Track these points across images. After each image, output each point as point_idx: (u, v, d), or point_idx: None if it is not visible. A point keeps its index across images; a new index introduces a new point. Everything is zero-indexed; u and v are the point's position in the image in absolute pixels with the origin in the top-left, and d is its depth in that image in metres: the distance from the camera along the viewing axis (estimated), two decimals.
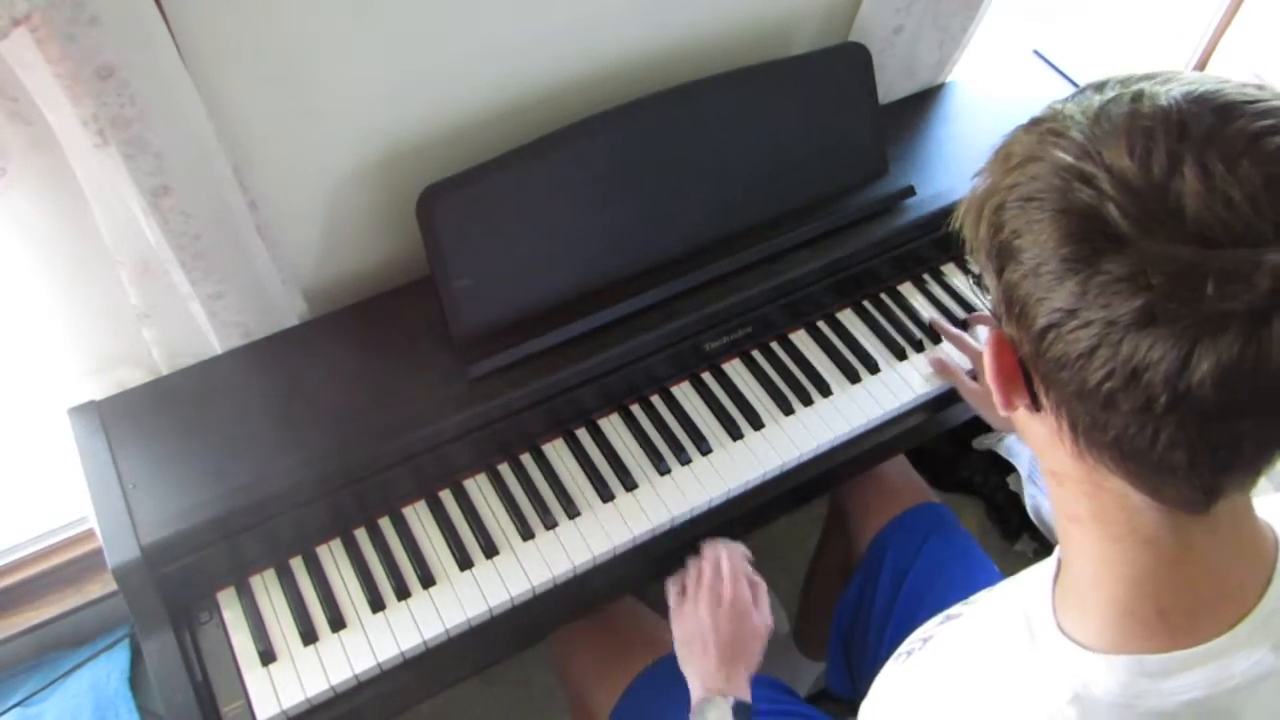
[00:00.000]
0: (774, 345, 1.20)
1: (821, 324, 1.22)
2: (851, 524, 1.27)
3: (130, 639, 1.35)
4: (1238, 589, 0.54)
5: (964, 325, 1.22)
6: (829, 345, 1.20)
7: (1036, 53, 1.47)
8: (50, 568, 1.26)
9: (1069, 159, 0.48)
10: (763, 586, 1.02)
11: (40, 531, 1.26)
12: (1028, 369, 0.53)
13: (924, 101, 1.41)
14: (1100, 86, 0.52)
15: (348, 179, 1.09)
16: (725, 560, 1.01)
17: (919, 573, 1.15)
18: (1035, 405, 0.54)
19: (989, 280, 0.55)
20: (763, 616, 1.00)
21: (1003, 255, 0.51)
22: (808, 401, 1.14)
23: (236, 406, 1.04)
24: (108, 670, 1.32)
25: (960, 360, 1.16)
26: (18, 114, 0.83)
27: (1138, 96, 0.49)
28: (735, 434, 1.11)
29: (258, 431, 1.01)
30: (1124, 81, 0.51)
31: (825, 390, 1.15)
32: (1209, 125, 0.46)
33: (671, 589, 1.03)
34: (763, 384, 1.16)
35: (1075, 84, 1.39)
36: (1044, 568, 0.63)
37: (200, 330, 1.07)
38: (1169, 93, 0.48)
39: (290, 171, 1.04)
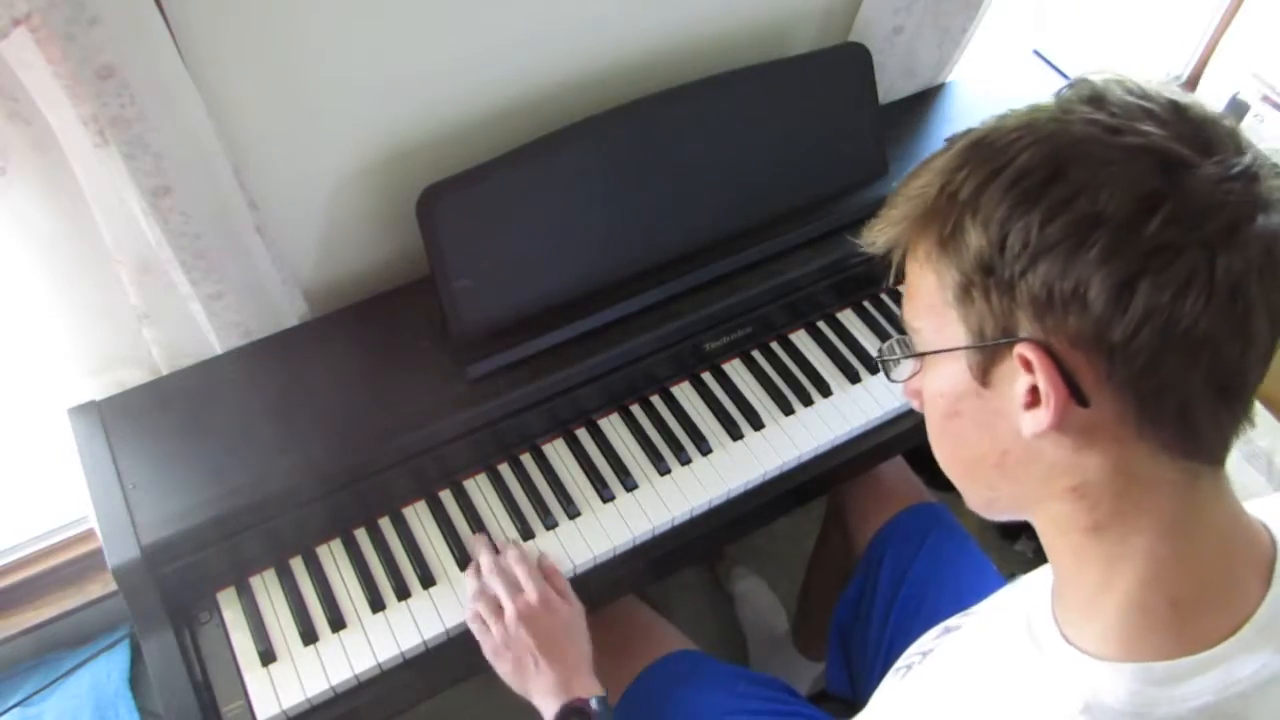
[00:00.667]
0: (774, 345, 1.20)
1: (821, 324, 1.22)
2: (850, 524, 1.27)
3: (130, 639, 1.35)
4: (1241, 583, 0.54)
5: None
6: (829, 345, 1.20)
7: (1036, 53, 1.47)
8: (50, 568, 1.26)
9: (1077, 126, 0.50)
10: (538, 570, 0.96)
11: (40, 531, 1.26)
12: (1064, 367, 0.50)
13: (924, 101, 1.41)
14: (1013, 112, 0.54)
15: (348, 179, 1.09)
16: (493, 573, 0.94)
17: (918, 572, 1.15)
18: (1082, 403, 0.51)
19: (976, 307, 0.52)
20: (563, 598, 0.94)
21: (1020, 257, 0.49)
22: (808, 401, 1.14)
23: (236, 406, 1.04)
24: (108, 670, 1.32)
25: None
26: (18, 114, 0.83)
27: (1073, 84, 0.54)
28: (735, 434, 1.11)
29: (258, 431, 1.01)
30: (1035, 106, 0.54)
31: (825, 390, 1.15)
32: (1120, 94, 0.52)
33: (475, 630, 0.94)
34: (763, 384, 1.16)
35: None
36: (1041, 577, 0.63)
37: (200, 330, 1.06)
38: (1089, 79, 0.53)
39: (290, 171, 1.04)
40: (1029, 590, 0.63)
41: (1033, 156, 0.50)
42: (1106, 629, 0.55)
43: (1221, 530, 0.55)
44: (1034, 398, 0.52)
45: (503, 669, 0.92)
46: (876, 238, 0.58)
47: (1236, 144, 0.50)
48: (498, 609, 0.93)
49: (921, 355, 0.58)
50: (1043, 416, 0.51)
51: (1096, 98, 0.52)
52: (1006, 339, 0.52)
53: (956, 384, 0.56)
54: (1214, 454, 0.53)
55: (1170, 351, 0.48)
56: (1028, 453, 0.55)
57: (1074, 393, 0.51)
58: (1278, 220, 0.49)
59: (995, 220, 0.50)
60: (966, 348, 0.54)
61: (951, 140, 0.56)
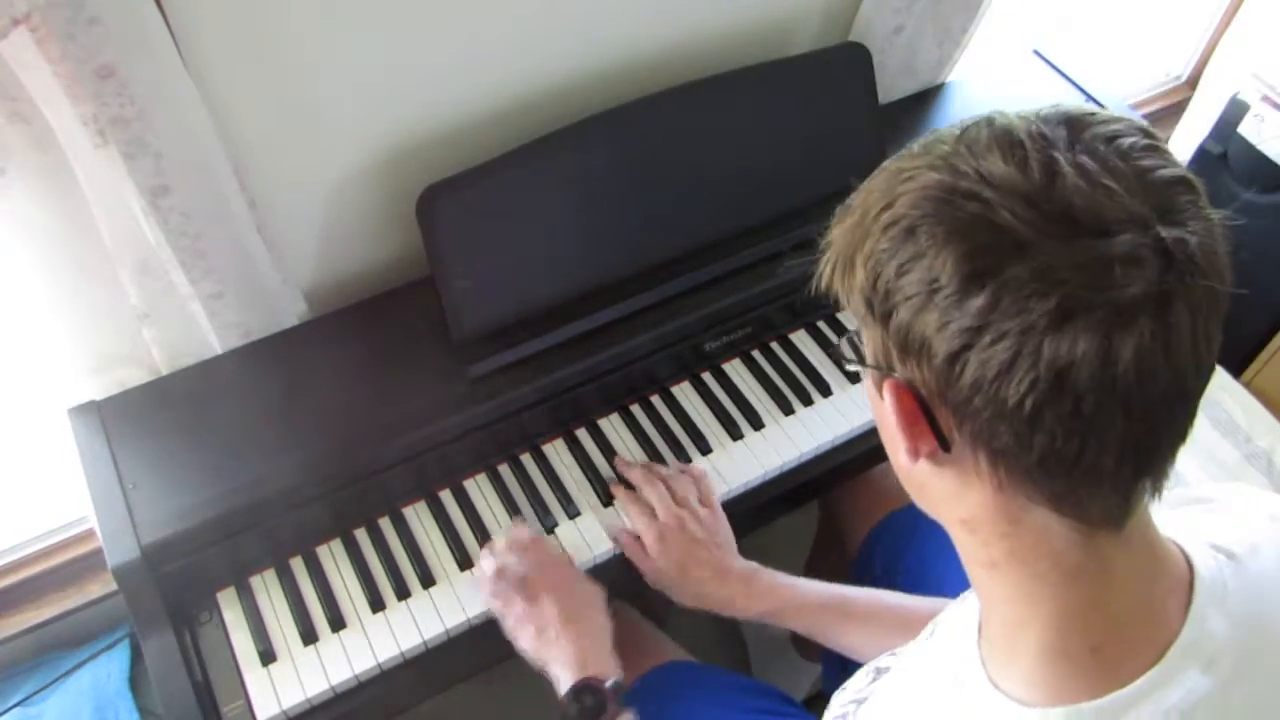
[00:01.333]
0: (774, 345, 1.20)
1: (822, 324, 1.22)
2: (843, 526, 1.27)
3: (130, 639, 1.35)
4: (1161, 614, 0.54)
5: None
6: (829, 345, 1.20)
7: (1036, 53, 1.47)
8: (50, 568, 1.26)
9: (945, 178, 0.48)
10: (545, 542, 0.98)
11: (40, 531, 1.26)
12: (930, 411, 0.51)
13: (924, 101, 1.41)
14: (934, 134, 0.52)
15: (348, 179, 1.09)
16: (511, 550, 0.95)
17: (909, 571, 1.14)
18: (944, 446, 0.52)
19: (869, 332, 0.54)
20: (569, 565, 0.96)
21: (887, 298, 0.50)
22: (808, 401, 1.14)
23: (236, 406, 1.04)
24: (108, 670, 1.31)
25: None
26: (18, 114, 0.83)
27: (990, 121, 0.50)
28: (735, 434, 1.11)
29: (258, 431, 1.01)
30: (960, 125, 0.52)
31: (825, 390, 1.15)
32: (1066, 134, 0.48)
33: (495, 604, 0.95)
34: (763, 384, 1.16)
35: (1075, 84, 1.39)
36: (965, 614, 0.62)
37: (200, 330, 1.06)
38: (1017, 115, 0.50)
39: (290, 171, 1.04)
40: (953, 631, 0.63)
41: (905, 202, 0.49)
42: (1029, 672, 0.54)
43: (1136, 572, 0.53)
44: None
45: (523, 641, 0.92)
46: (828, 241, 0.58)
47: (1142, 219, 0.45)
48: (518, 584, 0.93)
49: (845, 360, 0.60)
50: (906, 451, 0.53)
51: (980, 146, 0.49)
52: (887, 369, 0.53)
53: (871, 392, 0.58)
54: (1108, 520, 0.51)
55: (1004, 422, 0.47)
56: (920, 475, 0.56)
57: (937, 435, 0.52)
58: (1138, 307, 0.45)
59: (872, 257, 0.51)
60: (863, 364, 0.56)
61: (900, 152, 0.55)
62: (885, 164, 0.53)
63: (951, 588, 1.14)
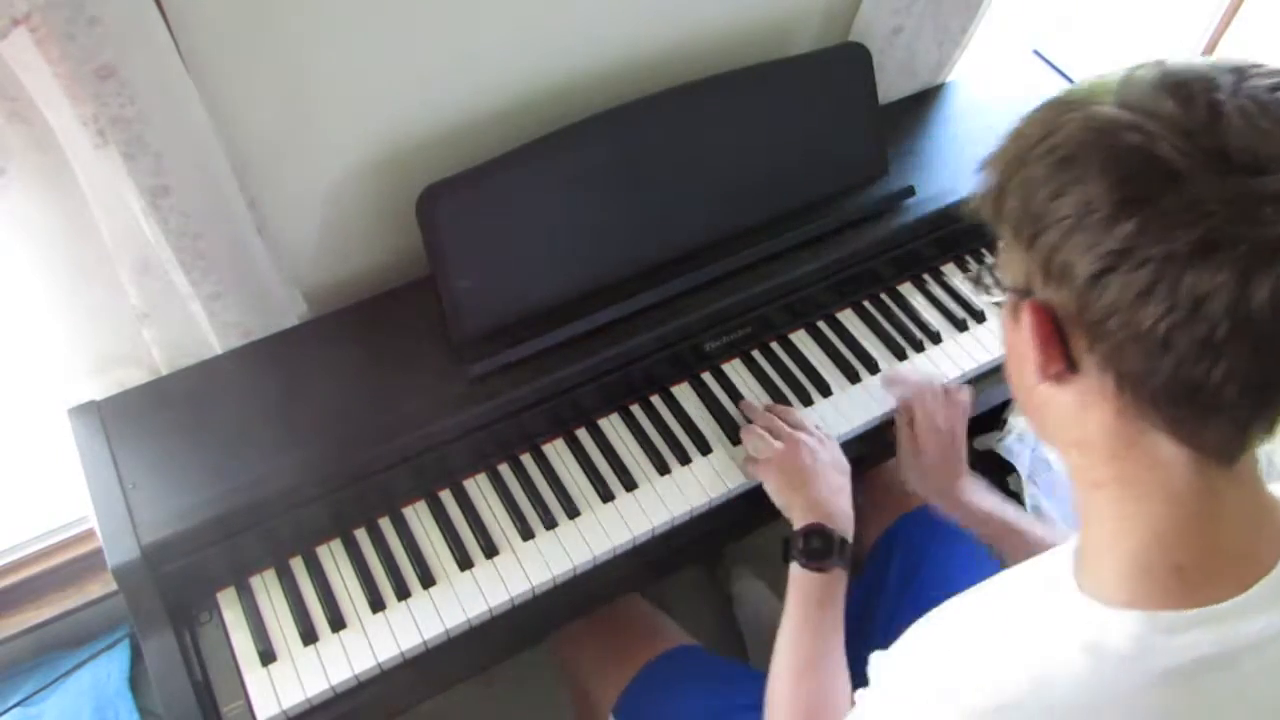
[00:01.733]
0: (774, 345, 1.20)
1: (821, 324, 1.22)
2: (856, 523, 1.27)
3: (130, 639, 1.35)
4: (1253, 553, 0.56)
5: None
6: (829, 345, 1.20)
7: (1036, 53, 1.47)
8: (50, 568, 1.26)
9: (1110, 111, 0.51)
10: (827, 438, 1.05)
11: (40, 531, 1.26)
12: (1064, 332, 0.54)
13: (924, 101, 1.41)
14: (1098, 75, 0.55)
15: (348, 179, 1.09)
16: (783, 425, 1.03)
17: (926, 572, 1.14)
18: (1072, 368, 0.55)
19: (1013, 256, 0.56)
20: (835, 452, 1.03)
21: (1037, 220, 0.53)
22: (808, 402, 1.14)
23: (236, 406, 1.04)
24: (108, 670, 1.32)
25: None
26: (18, 114, 0.83)
27: (1159, 63, 0.52)
28: (736, 434, 1.11)
29: (258, 431, 1.01)
30: (1128, 67, 0.54)
31: (825, 390, 1.15)
32: (1232, 80, 0.50)
33: (752, 443, 1.05)
34: (763, 384, 1.16)
35: (1076, 84, 1.39)
36: (1066, 543, 0.65)
37: (200, 330, 1.07)
38: (1184, 60, 0.52)
39: (290, 171, 1.04)
40: (1053, 550, 0.66)
41: (1066, 132, 0.52)
42: (1114, 578, 0.57)
43: (1239, 508, 0.56)
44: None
45: (771, 480, 1.00)
46: (983, 170, 0.60)
47: None
48: (779, 432, 1.03)
49: (984, 285, 0.65)
50: (1035, 370, 0.56)
51: (1146, 84, 0.51)
52: (1025, 292, 0.56)
53: (1005, 320, 0.61)
54: (1222, 452, 0.53)
55: (1136, 345, 0.50)
56: (1042, 397, 0.58)
57: (1066, 356, 0.54)
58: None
59: (1027, 182, 0.53)
60: (1003, 288, 0.59)
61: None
62: (1052, 99, 0.56)
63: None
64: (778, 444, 1.01)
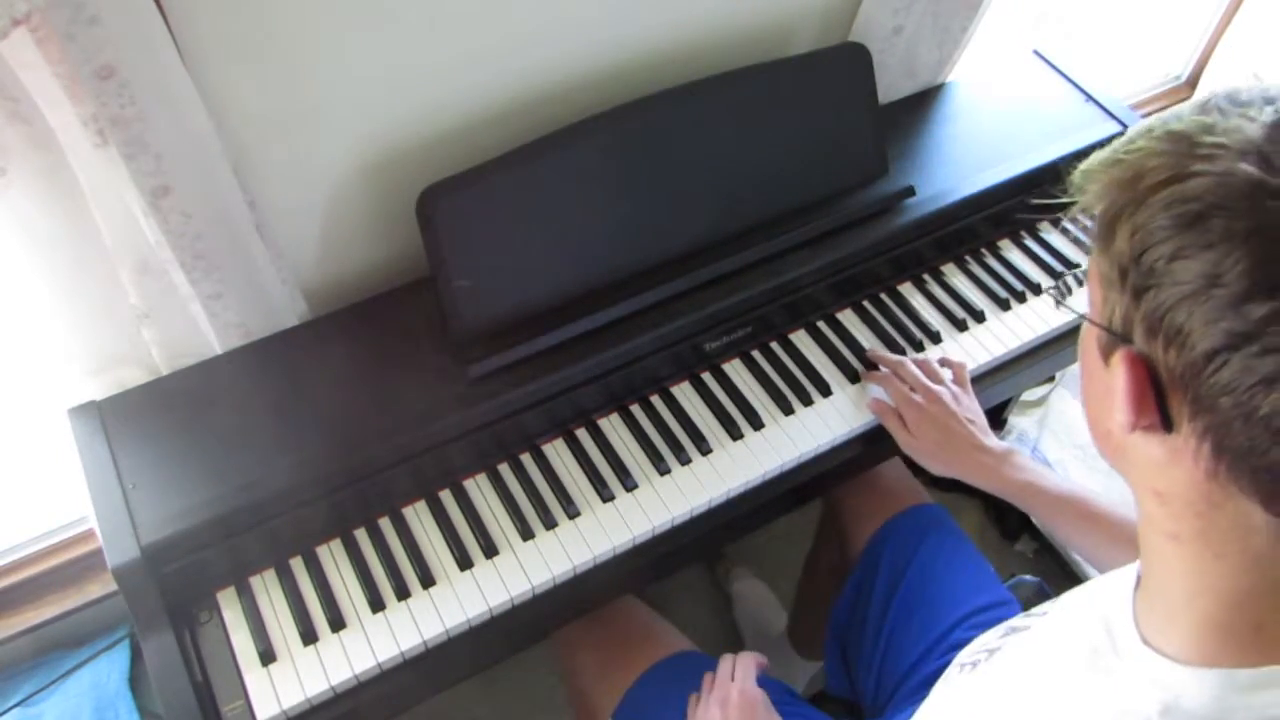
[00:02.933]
0: (774, 345, 1.20)
1: (821, 324, 1.22)
2: (847, 525, 1.27)
3: (130, 639, 1.35)
4: None
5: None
6: (829, 345, 1.20)
7: (1036, 53, 1.47)
8: (50, 568, 1.26)
9: (1255, 172, 0.45)
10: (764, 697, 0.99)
11: (40, 531, 1.26)
12: (1162, 389, 0.50)
13: (924, 101, 1.41)
14: (1234, 98, 0.49)
15: (348, 179, 1.09)
16: (736, 667, 0.99)
17: (915, 574, 1.15)
18: (1167, 427, 0.51)
19: (1112, 295, 0.52)
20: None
21: (1150, 275, 0.48)
22: (808, 401, 1.14)
23: (236, 406, 1.04)
24: (108, 670, 1.32)
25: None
26: (18, 114, 0.83)
27: None
28: (735, 434, 1.11)
29: (257, 431, 1.01)
30: (1270, 95, 0.48)
31: (825, 390, 1.15)
32: None
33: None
34: (763, 384, 1.16)
35: (1075, 84, 1.39)
36: (1119, 579, 0.63)
37: (200, 330, 1.07)
38: None
39: (290, 171, 1.04)
40: (1103, 591, 0.63)
41: (1201, 185, 0.46)
42: (1189, 637, 0.54)
43: None
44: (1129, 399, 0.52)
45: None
46: (1083, 183, 0.55)
47: None
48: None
49: (1067, 306, 0.60)
50: (1124, 421, 0.52)
51: None
52: (1123, 338, 0.52)
53: (1089, 346, 0.57)
54: None
55: (1245, 425, 0.47)
56: (1125, 441, 0.55)
57: (1162, 414, 0.51)
58: None
59: (1144, 229, 0.49)
60: (1096, 324, 0.54)
61: (1195, 108, 0.51)
62: (1167, 122, 0.50)
63: (958, 594, 1.14)
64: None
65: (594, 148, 1.07)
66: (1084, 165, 0.54)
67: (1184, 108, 0.51)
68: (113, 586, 1.03)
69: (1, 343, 1.05)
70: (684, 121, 1.11)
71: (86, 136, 0.82)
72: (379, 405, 1.03)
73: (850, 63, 1.19)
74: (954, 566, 1.16)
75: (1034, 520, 1.04)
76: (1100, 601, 0.62)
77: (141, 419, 1.02)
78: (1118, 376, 0.52)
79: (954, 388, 1.09)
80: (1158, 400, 0.51)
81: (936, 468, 1.06)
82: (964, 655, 0.76)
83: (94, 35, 0.75)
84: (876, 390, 1.14)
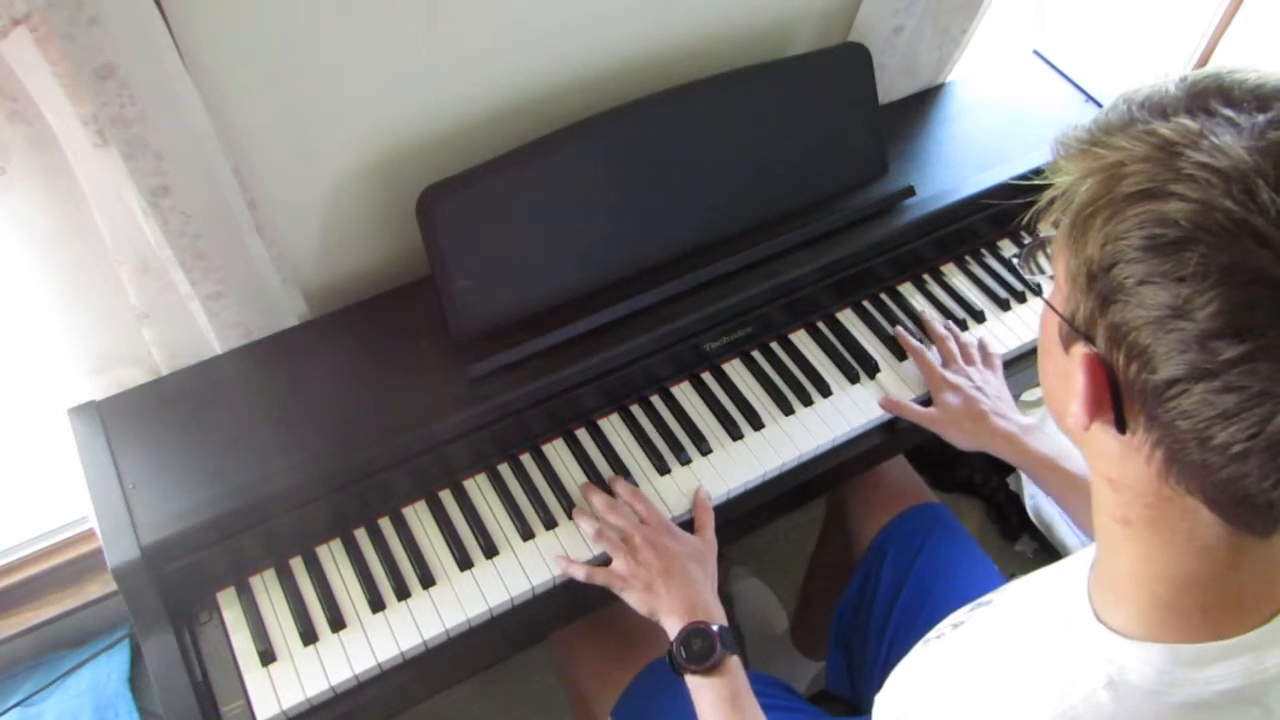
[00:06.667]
0: (774, 345, 1.20)
1: (821, 324, 1.22)
2: (851, 524, 1.27)
3: (130, 639, 1.35)
4: (1277, 592, 0.55)
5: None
6: (829, 345, 1.20)
7: (1036, 53, 1.47)
8: (50, 568, 1.26)
9: (1237, 210, 0.43)
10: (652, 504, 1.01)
11: (40, 531, 1.26)
12: (1119, 392, 0.50)
13: (924, 101, 1.41)
14: (1229, 98, 0.47)
15: (348, 179, 1.09)
16: (611, 510, 1.00)
17: (920, 574, 1.15)
18: (1121, 429, 0.51)
19: (1075, 292, 0.51)
20: (700, 530, 1.00)
21: (1118, 290, 0.47)
22: (808, 401, 1.14)
23: (236, 406, 1.04)
24: (108, 670, 1.32)
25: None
26: (18, 114, 0.83)
27: None
28: (735, 434, 1.11)
29: (258, 431, 1.01)
30: (1264, 105, 0.46)
31: (825, 390, 1.15)
32: None
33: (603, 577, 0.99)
34: (763, 384, 1.16)
35: (1075, 84, 1.39)
36: (1078, 560, 0.64)
37: (200, 330, 1.07)
38: None
39: (290, 171, 1.04)
40: (1065, 571, 0.64)
41: (1181, 210, 0.44)
42: (1137, 613, 0.56)
43: (1266, 559, 0.54)
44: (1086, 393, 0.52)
45: (631, 597, 0.95)
46: (1061, 158, 0.53)
47: None
48: (617, 543, 0.98)
49: (1036, 292, 0.60)
50: (1079, 416, 0.52)
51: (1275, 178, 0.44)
52: (1085, 337, 0.51)
53: (1049, 326, 0.56)
54: (1262, 531, 0.51)
55: (1200, 448, 0.47)
56: (1080, 424, 0.54)
57: (1118, 417, 0.51)
58: None
59: (1117, 240, 0.47)
60: (1059, 314, 0.54)
61: (1183, 101, 0.48)
62: (1151, 119, 0.48)
63: (963, 592, 1.14)
64: (621, 563, 0.96)
65: (594, 148, 1.07)
66: (1061, 135, 0.52)
67: (1173, 90, 0.49)
68: (113, 586, 1.03)
69: (1, 343, 1.05)
70: (684, 121, 1.11)
71: (86, 136, 0.82)
72: (379, 405, 1.03)
73: (850, 63, 1.19)
74: (959, 566, 1.16)
75: (1048, 494, 1.03)
76: (1061, 579, 0.64)
77: (141, 419, 1.02)
78: (1076, 371, 0.52)
79: (984, 369, 1.13)
80: (1114, 403, 0.51)
81: (962, 440, 1.07)
82: (932, 631, 0.78)
83: (94, 35, 0.75)
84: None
